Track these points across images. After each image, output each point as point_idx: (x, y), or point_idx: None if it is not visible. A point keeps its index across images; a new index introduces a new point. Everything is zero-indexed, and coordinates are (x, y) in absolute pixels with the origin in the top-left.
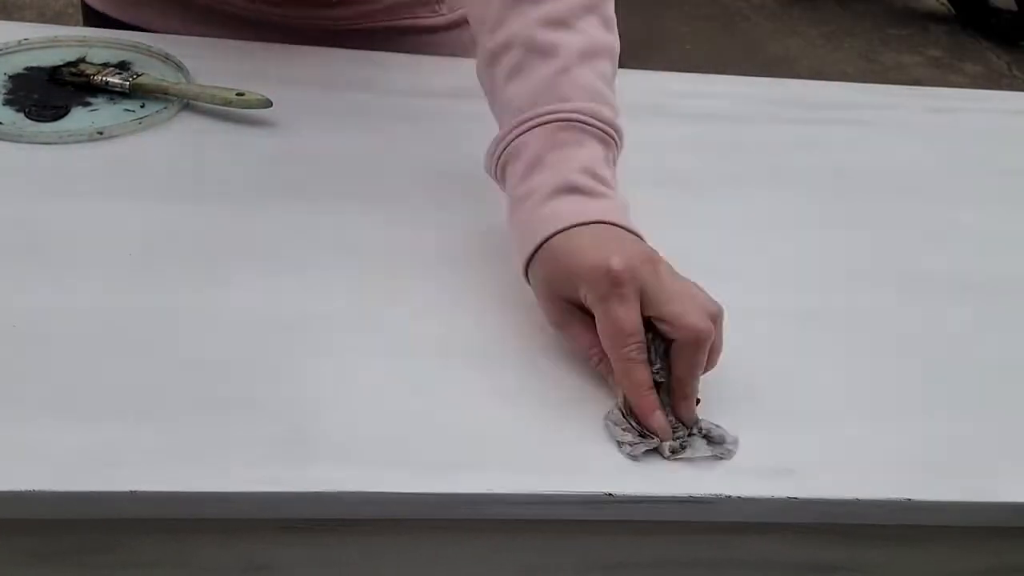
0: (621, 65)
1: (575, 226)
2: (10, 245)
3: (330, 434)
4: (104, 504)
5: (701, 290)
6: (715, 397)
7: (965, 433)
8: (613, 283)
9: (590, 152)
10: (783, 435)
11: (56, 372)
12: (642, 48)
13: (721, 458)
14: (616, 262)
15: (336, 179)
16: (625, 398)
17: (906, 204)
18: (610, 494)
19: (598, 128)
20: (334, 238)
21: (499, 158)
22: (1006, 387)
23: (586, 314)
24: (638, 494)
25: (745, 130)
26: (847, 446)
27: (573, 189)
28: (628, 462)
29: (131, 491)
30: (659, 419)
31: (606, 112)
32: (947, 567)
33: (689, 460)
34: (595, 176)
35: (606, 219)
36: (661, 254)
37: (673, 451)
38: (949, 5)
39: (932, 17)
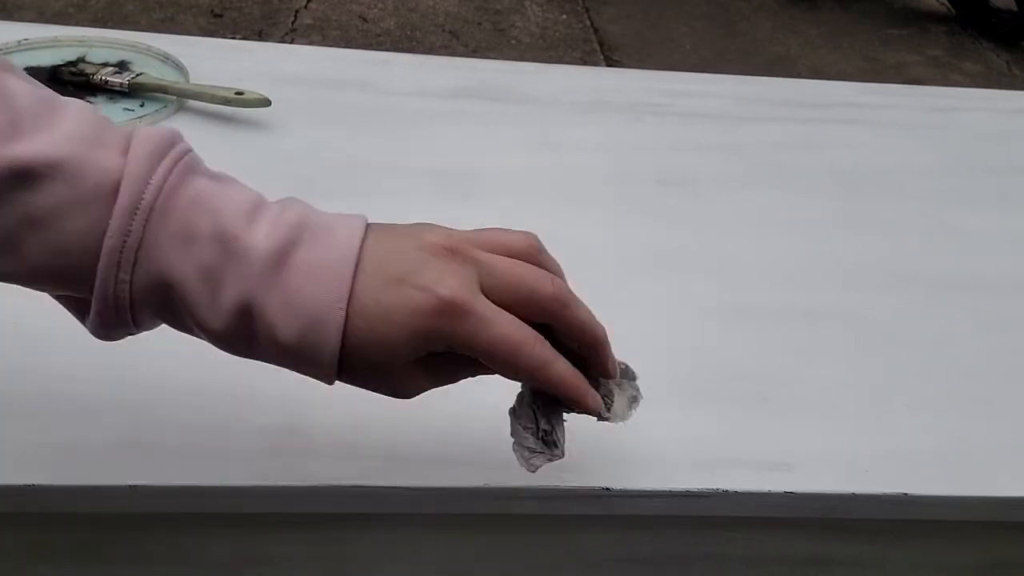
0: (621, 65)
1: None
2: None
3: (329, 428)
4: (103, 498)
5: (498, 231)
6: (713, 393)
7: (962, 428)
8: (461, 315)
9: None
10: (781, 430)
11: (55, 367)
12: (642, 48)
13: (635, 399)
14: (444, 289)
15: (335, 179)
16: (531, 390)
17: (906, 203)
18: (607, 488)
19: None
20: None
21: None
22: (1003, 384)
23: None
24: (635, 489)
25: (745, 130)
26: (844, 441)
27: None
28: (625, 457)
29: (130, 485)
30: (595, 399)
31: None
32: (944, 561)
33: (620, 418)
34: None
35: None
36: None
37: (601, 416)
38: (949, 5)
39: (932, 17)
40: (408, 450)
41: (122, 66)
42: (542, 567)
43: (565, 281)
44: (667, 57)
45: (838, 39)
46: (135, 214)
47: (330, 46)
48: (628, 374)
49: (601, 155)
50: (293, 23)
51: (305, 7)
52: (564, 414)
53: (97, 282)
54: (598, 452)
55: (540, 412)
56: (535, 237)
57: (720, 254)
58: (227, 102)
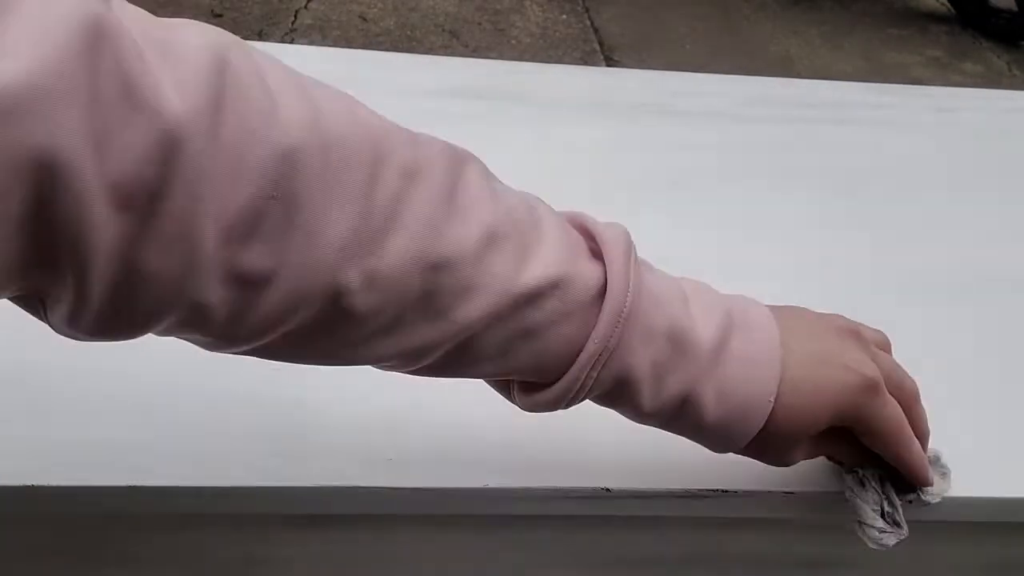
0: (621, 65)
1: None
2: None
3: (329, 429)
4: (103, 499)
5: (865, 326)
6: None
7: (964, 429)
8: (876, 393)
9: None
10: None
11: (56, 368)
12: (642, 48)
13: (945, 475)
14: (869, 370)
15: None
16: (873, 475)
17: (906, 203)
18: (607, 489)
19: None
20: None
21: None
22: (1005, 384)
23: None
24: (635, 489)
25: (745, 130)
26: None
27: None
28: (625, 457)
29: (130, 486)
30: (929, 471)
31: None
32: (946, 563)
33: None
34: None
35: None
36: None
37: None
38: (949, 5)
39: (932, 17)
40: (409, 451)
41: None
42: (543, 567)
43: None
44: (667, 57)
45: (838, 39)
46: (619, 320)
47: (330, 46)
48: (932, 456)
49: (601, 155)
50: (293, 23)
51: (305, 7)
52: (900, 496)
53: (570, 375)
54: (598, 452)
55: (882, 495)
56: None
57: (720, 254)
58: None
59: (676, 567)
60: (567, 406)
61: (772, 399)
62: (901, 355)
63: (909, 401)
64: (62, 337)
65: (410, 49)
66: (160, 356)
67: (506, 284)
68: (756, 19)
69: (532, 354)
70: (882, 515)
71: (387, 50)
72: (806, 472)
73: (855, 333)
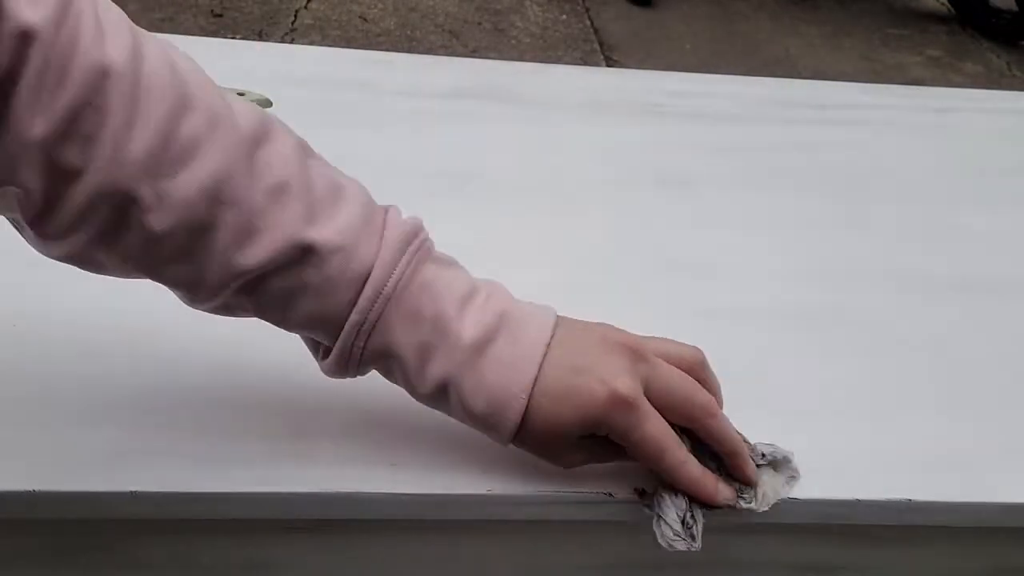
0: (621, 65)
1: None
2: (11, 245)
3: (330, 434)
4: (104, 504)
5: (670, 342)
6: None
7: (965, 433)
8: (627, 409)
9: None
10: (782, 435)
11: (56, 372)
12: (642, 48)
13: (793, 478)
14: (619, 384)
15: None
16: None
17: (906, 204)
18: (609, 494)
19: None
20: None
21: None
22: (1006, 387)
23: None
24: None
25: (745, 130)
26: (847, 446)
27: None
28: (627, 462)
29: (131, 491)
30: (724, 493)
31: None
32: (947, 567)
33: (767, 502)
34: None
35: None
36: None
37: (747, 507)
38: (949, 5)
39: (932, 17)
40: (410, 457)
41: None
42: (545, 572)
43: (721, 397)
44: (667, 57)
45: (838, 39)
46: (377, 299)
47: (330, 46)
48: (779, 459)
49: (601, 155)
50: (293, 23)
51: (305, 7)
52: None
53: (339, 342)
54: None
55: (690, 503)
56: (702, 353)
57: (720, 254)
58: None
59: (678, 572)
60: (352, 373)
61: (524, 398)
62: (901, 354)
63: (694, 418)
64: (63, 342)
65: (410, 49)
66: (162, 363)
67: (288, 233)
68: (756, 19)
69: (309, 312)
70: (682, 522)
71: (387, 50)
72: (808, 477)
73: (628, 348)
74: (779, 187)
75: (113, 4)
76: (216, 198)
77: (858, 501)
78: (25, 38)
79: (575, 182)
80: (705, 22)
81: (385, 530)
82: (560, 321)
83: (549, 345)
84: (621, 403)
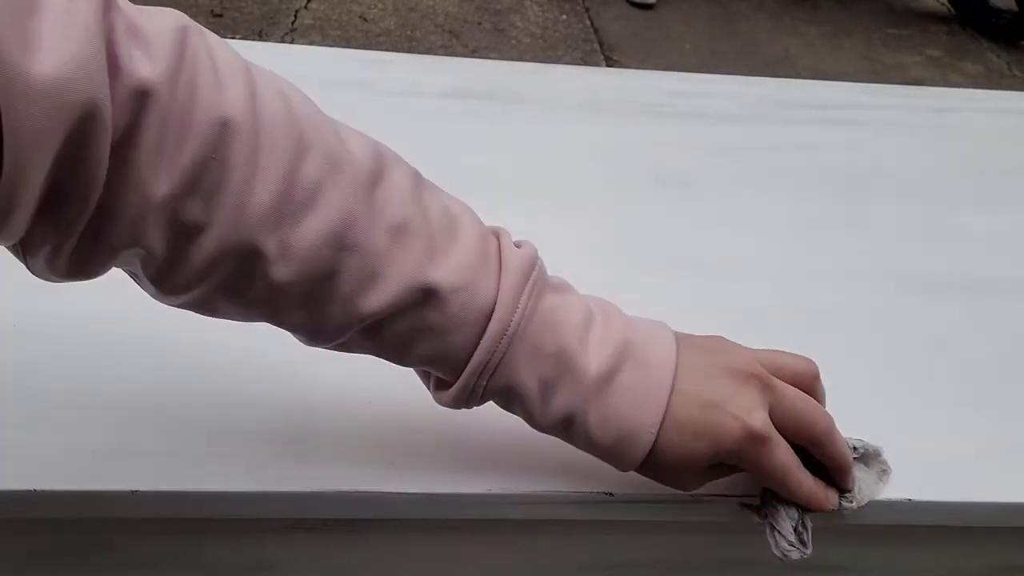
0: (621, 65)
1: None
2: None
3: (332, 433)
4: (105, 503)
5: (786, 355)
6: None
7: (966, 433)
8: (760, 443)
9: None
10: None
11: (56, 372)
12: (642, 48)
13: (885, 472)
14: (754, 421)
15: None
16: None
17: (906, 204)
18: (610, 494)
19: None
20: None
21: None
22: (1007, 387)
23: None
24: (638, 494)
25: (745, 130)
26: None
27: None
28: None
29: (132, 491)
30: (833, 500)
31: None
32: (948, 567)
33: (863, 500)
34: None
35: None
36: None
37: (848, 507)
38: (949, 5)
39: (932, 17)
40: (412, 456)
41: None
42: (545, 572)
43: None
44: (667, 57)
45: (838, 39)
46: (502, 338)
47: (330, 46)
48: (871, 452)
49: (601, 155)
50: (293, 23)
51: (305, 7)
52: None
53: (461, 380)
54: None
55: (801, 512)
56: (815, 366)
57: (720, 254)
58: None
59: (679, 571)
60: (469, 406)
61: (654, 432)
62: (901, 354)
63: (816, 442)
64: (63, 342)
65: (410, 49)
66: (163, 362)
67: (410, 276)
68: (756, 19)
69: (430, 351)
70: (795, 530)
71: (387, 50)
72: None
73: (755, 377)
74: (779, 187)
75: (223, 41)
76: (340, 245)
77: None
78: (143, 97)
79: (575, 182)
80: (705, 22)
81: (385, 529)
82: (680, 341)
83: (675, 376)
84: (753, 438)
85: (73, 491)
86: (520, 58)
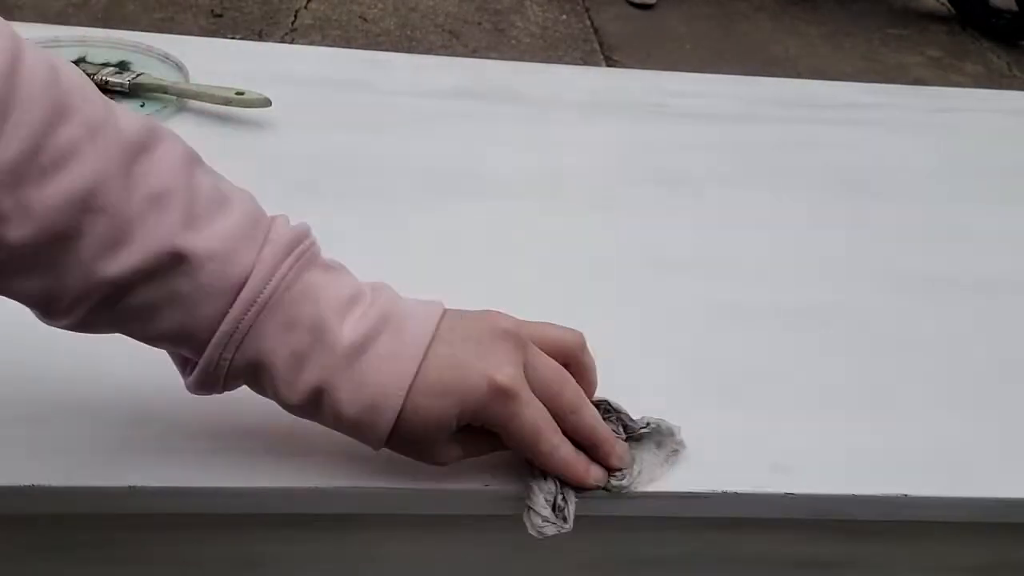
0: (621, 65)
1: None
2: None
3: (325, 429)
4: (102, 499)
5: (551, 326)
6: (713, 394)
7: (962, 429)
8: (507, 397)
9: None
10: (780, 431)
11: (56, 369)
12: (642, 48)
13: (676, 452)
14: (501, 376)
15: (335, 179)
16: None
17: (906, 204)
18: (606, 488)
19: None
20: (333, 238)
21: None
22: (1004, 384)
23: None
24: (636, 490)
25: (745, 130)
26: (844, 442)
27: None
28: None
29: (129, 487)
30: (595, 474)
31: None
32: (944, 562)
33: (642, 481)
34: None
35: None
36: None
37: (617, 485)
38: (949, 5)
39: (932, 17)
40: None
41: (122, 66)
42: (542, 568)
43: (596, 378)
44: (667, 57)
45: (838, 39)
46: (251, 308)
47: (330, 46)
48: (663, 431)
49: (601, 155)
50: (293, 23)
51: (305, 7)
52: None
53: (206, 354)
54: None
55: (560, 486)
56: (582, 336)
57: (720, 254)
58: (227, 102)
59: (677, 567)
60: (218, 390)
61: (402, 395)
62: (900, 353)
63: (561, 411)
64: (62, 339)
65: (410, 49)
66: (160, 358)
67: (162, 242)
68: (756, 19)
69: (174, 325)
70: (553, 507)
71: (387, 50)
72: (806, 475)
73: (511, 335)
74: (779, 187)
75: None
76: (85, 207)
77: (855, 496)
78: None
79: (575, 182)
80: (705, 22)
81: (381, 525)
82: (446, 315)
83: (431, 341)
84: (501, 393)
85: (72, 487)
86: (520, 58)
